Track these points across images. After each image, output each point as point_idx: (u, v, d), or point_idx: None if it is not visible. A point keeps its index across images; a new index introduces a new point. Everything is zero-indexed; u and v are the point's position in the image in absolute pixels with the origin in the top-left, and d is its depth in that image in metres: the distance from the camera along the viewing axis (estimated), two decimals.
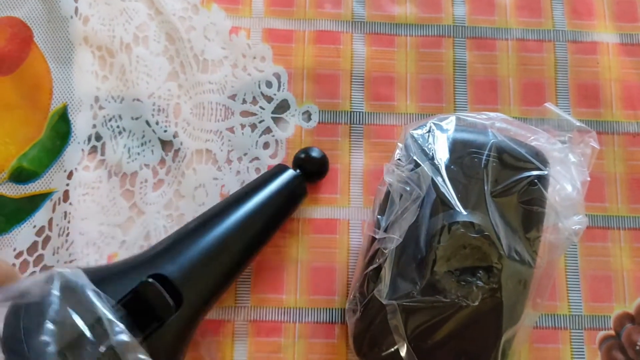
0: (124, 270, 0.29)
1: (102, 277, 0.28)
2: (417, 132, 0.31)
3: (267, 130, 0.38)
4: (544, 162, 0.31)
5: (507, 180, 0.31)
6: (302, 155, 0.36)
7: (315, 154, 0.36)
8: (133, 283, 0.27)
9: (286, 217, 0.35)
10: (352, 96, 0.39)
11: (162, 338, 0.28)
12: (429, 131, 0.31)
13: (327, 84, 0.39)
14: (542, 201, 0.31)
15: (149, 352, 0.26)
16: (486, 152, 0.31)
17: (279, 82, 0.39)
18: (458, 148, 0.31)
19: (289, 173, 0.34)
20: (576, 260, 0.37)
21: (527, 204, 0.31)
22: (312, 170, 0.36)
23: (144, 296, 0.27)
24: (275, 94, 0.39)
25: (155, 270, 0.28)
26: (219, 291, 0.31)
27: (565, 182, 0.31)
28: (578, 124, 0.33)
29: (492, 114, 0.32)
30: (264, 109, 0.39)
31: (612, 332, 0.36)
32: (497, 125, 0.32)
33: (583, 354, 0.36)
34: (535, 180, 0.31)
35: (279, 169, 0.35)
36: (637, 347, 0.36)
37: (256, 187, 0.34)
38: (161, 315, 0.28)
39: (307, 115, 0.39)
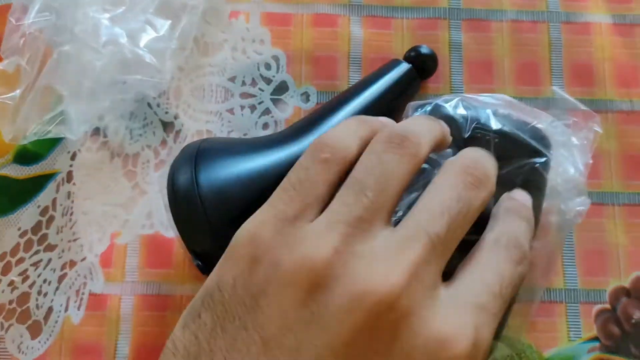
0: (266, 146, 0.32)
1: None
2: (420, 109, 0.32)
3: (267, 111, 0.39)
4: (547, 144, 0.32)
5: (508, 159, 0.31)
6: (412, 53, 0.38)
7: (424, 50, 0.38)
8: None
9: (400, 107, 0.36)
10: (350, 77, 0.40)
11: None
12: (432, 108, 0.32)
13: (325, 66, 0.40)
14: (542, 183, 0.31)
15: None
16: (488, 131, 0.31)
17: (278, 65, 0.40)
18: (460, 126, 0.32)
19: (403, 66, 0.37)
20: (571, 235, 0.38)
21: (527, 184, 0.31)
22: (422, 66, 0.37)
23: None
24: (274, 76, 0.40)
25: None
26: None
27: (568, 165, 0.31)
28: (583, 107, 0.33)
29: (496, 95, 0.32)
30: (263, 90, 0.39)
31: (607, 305, 0.37)
32: (501, 106, 0.32)
33: (579, 327, 0.36)
34: (536, 161, 0.31)
35: (394, 63, 0.37)
36: (633, 320, 0.37)
37: (372, 78, 0.36)
38: None
39: (306, 97, 0.39)
